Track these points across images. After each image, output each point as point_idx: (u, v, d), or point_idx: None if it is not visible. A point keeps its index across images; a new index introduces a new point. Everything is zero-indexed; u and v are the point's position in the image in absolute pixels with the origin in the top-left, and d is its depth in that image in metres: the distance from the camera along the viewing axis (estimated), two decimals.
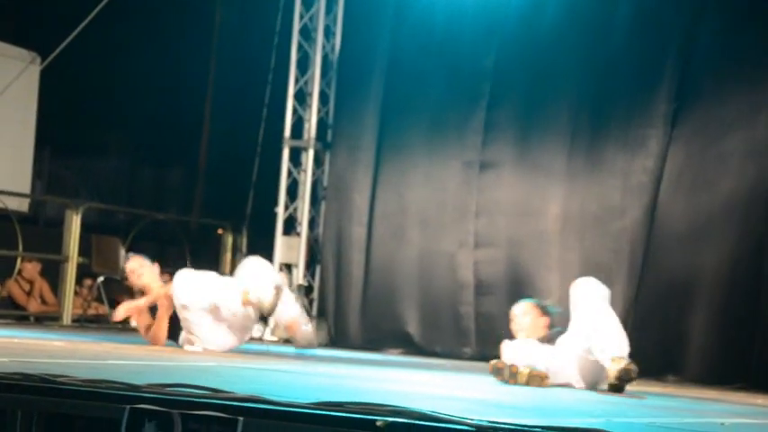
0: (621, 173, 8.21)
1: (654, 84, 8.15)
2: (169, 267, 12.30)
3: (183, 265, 11.49)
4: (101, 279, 10.82)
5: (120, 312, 7.04)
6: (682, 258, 7.91)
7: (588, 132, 8.41)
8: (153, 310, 7.09)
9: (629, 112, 8.27)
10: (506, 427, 2.87)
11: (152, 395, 3.05)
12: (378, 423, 2.84)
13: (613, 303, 8.10)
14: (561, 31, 8.58)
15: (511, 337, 6.19)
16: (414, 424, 2.87)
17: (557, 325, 6.17)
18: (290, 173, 9.74)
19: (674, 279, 7.93)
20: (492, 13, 8.90)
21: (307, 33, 9.79)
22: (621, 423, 3.85)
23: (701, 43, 8.04)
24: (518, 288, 8.52)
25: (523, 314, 6.26)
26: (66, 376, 3.28)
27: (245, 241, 10.20)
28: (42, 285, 10.84)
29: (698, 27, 8.06)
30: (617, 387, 5.68)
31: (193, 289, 6.83)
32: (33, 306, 10.62)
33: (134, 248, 11.41)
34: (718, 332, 7.67)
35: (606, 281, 8.13)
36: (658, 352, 7.77)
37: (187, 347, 6.78)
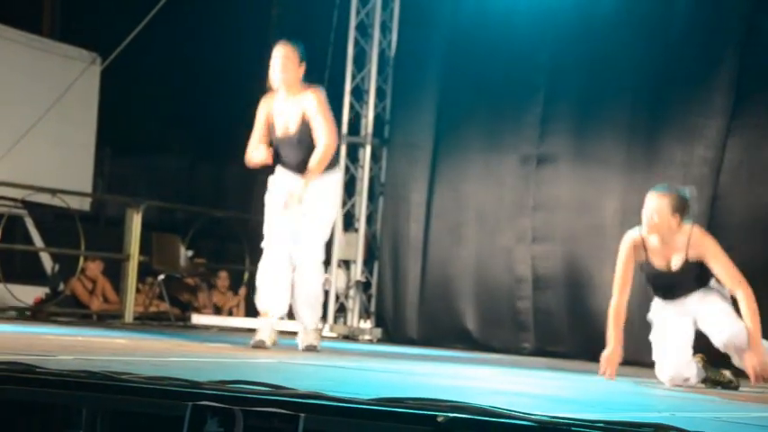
0: (681, 164, 8.14)
1: (713, 74, 8.08)
2: (228, 265, 12.41)
3: (242, 263, 11.64)
4: (161, 277, 10.93)
5: None
6: (742, 249, 7.80)
7: (646, 124, 8.35)
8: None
9: (688, 103, 8.20)
10: (569, 421, 2.86)
11: (214, 392, 3.08)
12: (438, 419, 2.84)
13: None
14: (617, 23, 8.52)
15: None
16: (474, 419, 2.86)
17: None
18: (347, 169, 9.77)
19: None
20: (547, 6, 8.86)
21: (363, 29, 9.81)
22: (686, 418, 3.81)
23: (761, 33, 7.95)
24: (576, 283, 8.49)
25: (653, 210, 5.74)
26: (129, 374, 3.31)
27: None
28: (105, 284, 10.99)
29: (758, 17, 7.98)
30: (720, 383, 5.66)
31: None
32: (96, 304, 10.76)
33: (193, 246, 11.57)
34: None
35: None
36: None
37: None
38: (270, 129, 6.66)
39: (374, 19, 9.76)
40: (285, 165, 6.67)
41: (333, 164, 6.73)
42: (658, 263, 5.83)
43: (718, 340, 5.76)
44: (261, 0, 14.22)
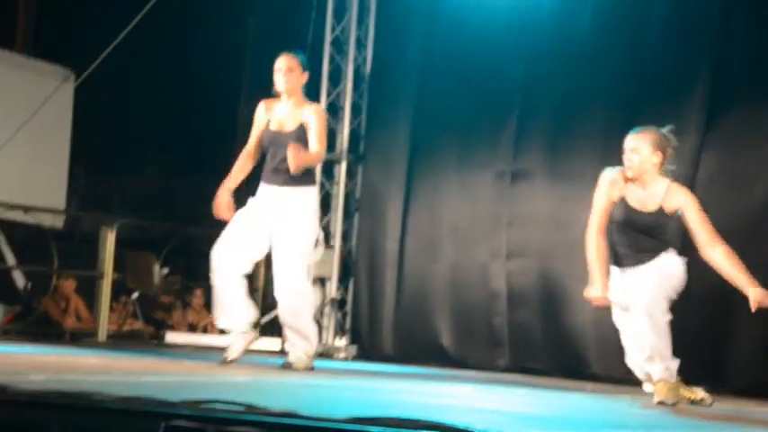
0: None
1: (686, 91, 8.11)
2: (203, 282, 12.34)
3: None
4: (135, 295, 10.88)
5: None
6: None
7: (620, 140, 8.32)
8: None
9: (661, 119, 8.19)
10: None
11: (187, 412, 3.06)
12: None
13: None
14: (592, 40, 8.55)
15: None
16: None
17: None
18: (322, 185, 9.75)
19: (709, 286, 7.87)
20: (522, 23, 8.89)
21: (338, 46, 9.81)
22: None
23: (734, 48, 7.99)
24: (551, 299, 8.49)
25: (632, 150, 5.76)
26: (101, 394, 3.28)
27: None
28: (78, 302, 10.91)
29: (731, 33, 8.02)
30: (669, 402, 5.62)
31: None
32: (69, 323, 10.68)
33: (169, 263, 11.52)
34: (757, 340, 7.61)
35: None
36: (697, 361, 7.71)
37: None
38: (265, 131, 6.74)
39: (349, 35, 9.76)
40: (270, 174, 6.68)
41: (311, 180, 6.75)
42: (634, 204, 5.76)
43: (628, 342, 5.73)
44: (236, 17, 14.22)
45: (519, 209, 8.76)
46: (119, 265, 10.14)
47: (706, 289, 7.82)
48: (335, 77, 9.80)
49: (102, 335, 9.70)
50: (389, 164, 9.45)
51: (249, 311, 6.67)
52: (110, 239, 9.79)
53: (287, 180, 6.63)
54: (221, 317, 6.68)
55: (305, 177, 6.66)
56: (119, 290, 10.74)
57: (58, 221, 11.58)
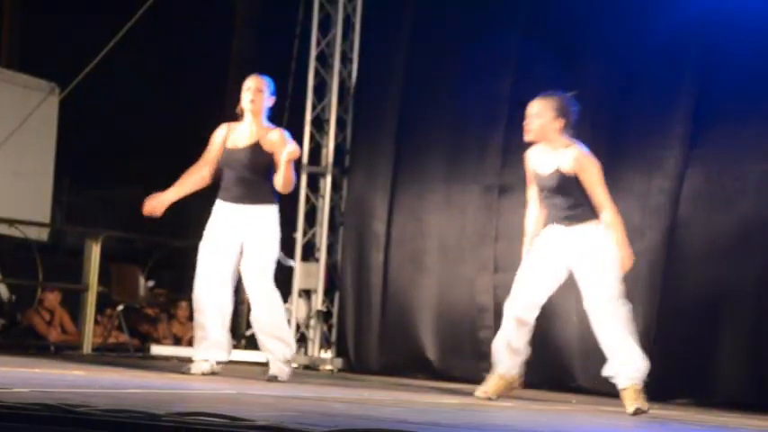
0: (639, 194, 8.18)
1: (671, 104, 8.14)
2: (188, 294, 12.29)
3: None
4: (120, 307, 10.85)
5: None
6: (701, 279, 7.88)
7: (605, 154, 8.35)
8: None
9: (646, 132, 8.25)
10: None
11: (172, 424, 3.05)
12: None
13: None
14: (577, 53, 8.57)
15: None
16: None
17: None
18: (308, 199, 9.75)
19: (694, 300, 7.90)
20: (508, 36, 8.90)
21: (324, 60, 9.82)
22: None
23: (718, 62, 8.03)
24: (547, 309, 8.49)
25: (536, 115, 6.06)
26: (86, 406, 3.28)
27: None
28: (63, 315, 10.88)
29: (715, 47, 8.05)
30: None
31: None
32: (54, 335, 10.64)
33: (154, 276, 11.50)
34: (740, 354, 7.63)
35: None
36: (679, 375, 7.74)
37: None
38: (222, 151, 6.83)
39: (334, 49, 9.77)
40: (227, 192, 6.78)
41: (273, 199, 6.81)
42: (537, 168, 6.15)
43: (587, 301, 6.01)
44: (221, 32, 14.22)
45: (506, 222, 8.77)
46: (104, 277, 10.12)
47: (682, 299, 7.87)
48: (320, 91, 9.81)
49: (87, 347, 9.67)
50: (375, 177, 9.46)
51: (227, 347, 6.84)
52: (95, 252, 9.78)
53: (247, 197, 6.74)
54: (201, 350, 6.79)
55: (264, 195, 6.77)
56: (104, 302, 10.70)
57: (42, 234, 11.56)
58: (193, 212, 6.88)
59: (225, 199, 6.83)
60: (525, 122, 6.11)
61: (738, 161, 7.86)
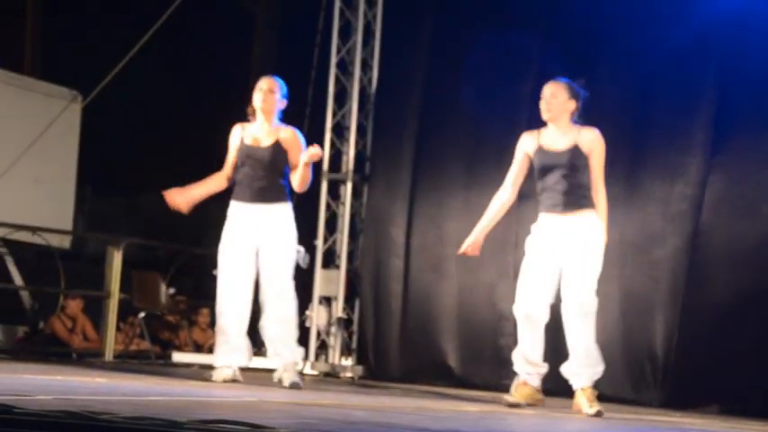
0: (661, 201, 8.17)
1: (692, 111, 8.12)
2: (209, 301, 12.34)
3: None
4: (142, 315, 10.88)
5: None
6: (723, 285, 7.86)
7: (626, 160, 8.38)
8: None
9: (668, 139, 8.24)
10: None
11: (194, 431, 3.06)
12: None
13: (655, 332, 8.08)
14: (598, 60, 8.56)
15: None
16: None
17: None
18: (328, 206, 9.77)
19: (715, 306, 7.87)
20: (529, 43, 8.90)
21: (344, 67, 9.84)
22: None
23: (739, 69, 8.01)
24: (558, 319, 8.47)
25: (552, 95, 6.27)
26: (109, 413, 3.29)
27: None
28: (85, 322, 10.92)
29: (736, 53, 8.03)
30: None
31: None
32: (76, 342, 10.68)
33: (175, 283, 11.53)
34: (762, 361, 7.60)
35: (647, 310, 8.12)
36: (701, 381, 7.71)
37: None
38: (241, 147, 6.85)
39: (355, 56, 9.79)
40: (243, 191, 6.82)
41: (288, 198, 6.84)
42: (548, 146, 6.28)
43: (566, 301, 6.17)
44: (242, 38, 14.26)
45: (526, 229, 8.72)
46: (125, 285, 10.15)
47: (704, 306, 7.84)
48: (341, 98, 9.83)
49: (109, 355, 9.70)
50: (395, 184, 9.46)
51: (248, 352, 6.90)
52: (116, 259, 9.81)
53: (264, 196, 6.77)
54: (222, 355, 6.82)
55: (280, 194, 6.80)
56: (125, 310, 10.74)
57: (65, 242, 11.60)
58: (214, 220, 6.89)
59: (241, 199, 6.86)
60: (542, 103, 6.28)
61: (759, 168, 7.84)
